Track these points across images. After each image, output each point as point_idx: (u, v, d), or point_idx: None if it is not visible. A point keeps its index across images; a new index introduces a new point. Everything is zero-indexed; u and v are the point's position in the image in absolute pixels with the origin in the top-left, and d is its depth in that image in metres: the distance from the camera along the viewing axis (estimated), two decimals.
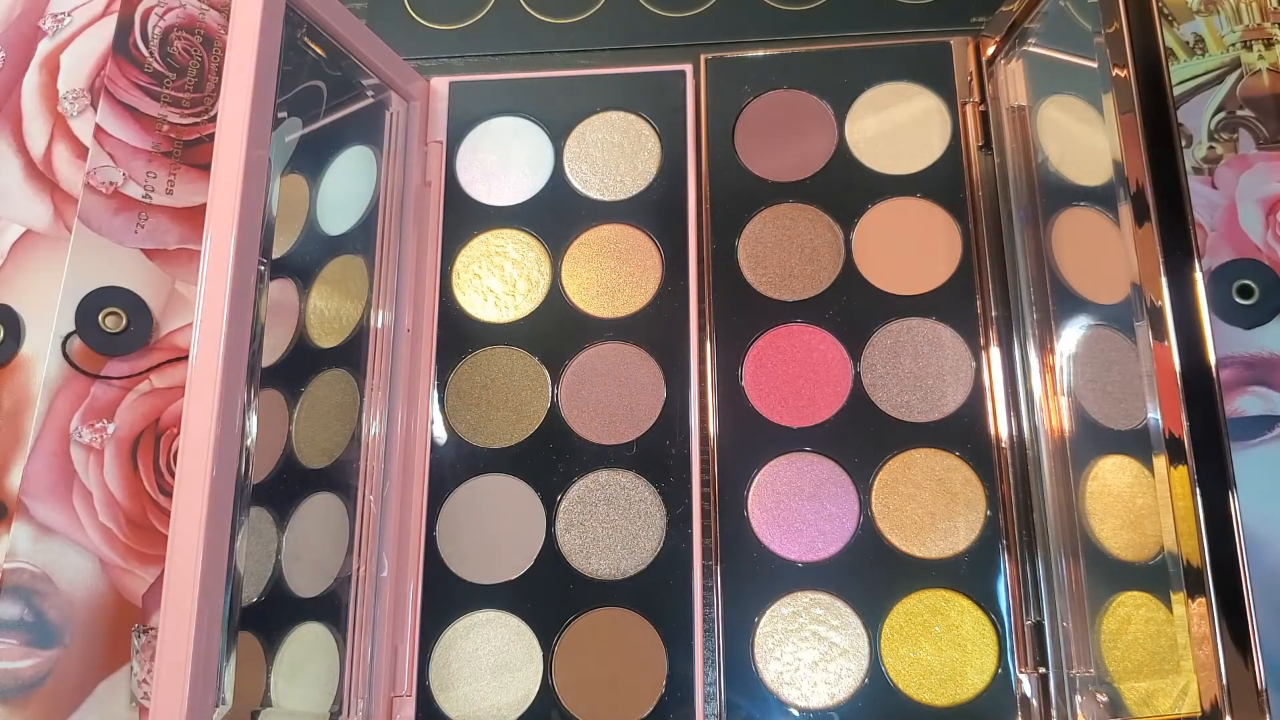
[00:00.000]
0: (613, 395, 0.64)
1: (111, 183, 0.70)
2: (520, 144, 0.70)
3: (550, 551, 0.62)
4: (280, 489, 0.56)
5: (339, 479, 0.60)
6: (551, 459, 0.63)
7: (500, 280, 0.67)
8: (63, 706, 0.61)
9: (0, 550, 0.63)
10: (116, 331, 0.67)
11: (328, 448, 0.59)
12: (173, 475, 0.64)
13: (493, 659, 0.60)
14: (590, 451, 0.63)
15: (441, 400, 0.65)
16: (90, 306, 0.67)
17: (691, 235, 0.66)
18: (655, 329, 0.65)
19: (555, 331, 0.66)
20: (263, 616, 0.53)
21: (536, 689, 0.59)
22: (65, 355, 0.67)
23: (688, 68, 0.70)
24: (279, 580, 0.55)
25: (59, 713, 0.61)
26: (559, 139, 0.70)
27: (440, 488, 0.63)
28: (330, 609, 0.58)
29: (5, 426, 0.66)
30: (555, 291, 0.66)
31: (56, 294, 0.68)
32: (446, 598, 0.61)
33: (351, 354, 0.62)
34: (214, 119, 0.70)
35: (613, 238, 0.67)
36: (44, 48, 0.75)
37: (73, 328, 0.67)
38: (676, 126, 0.69)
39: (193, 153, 0.71)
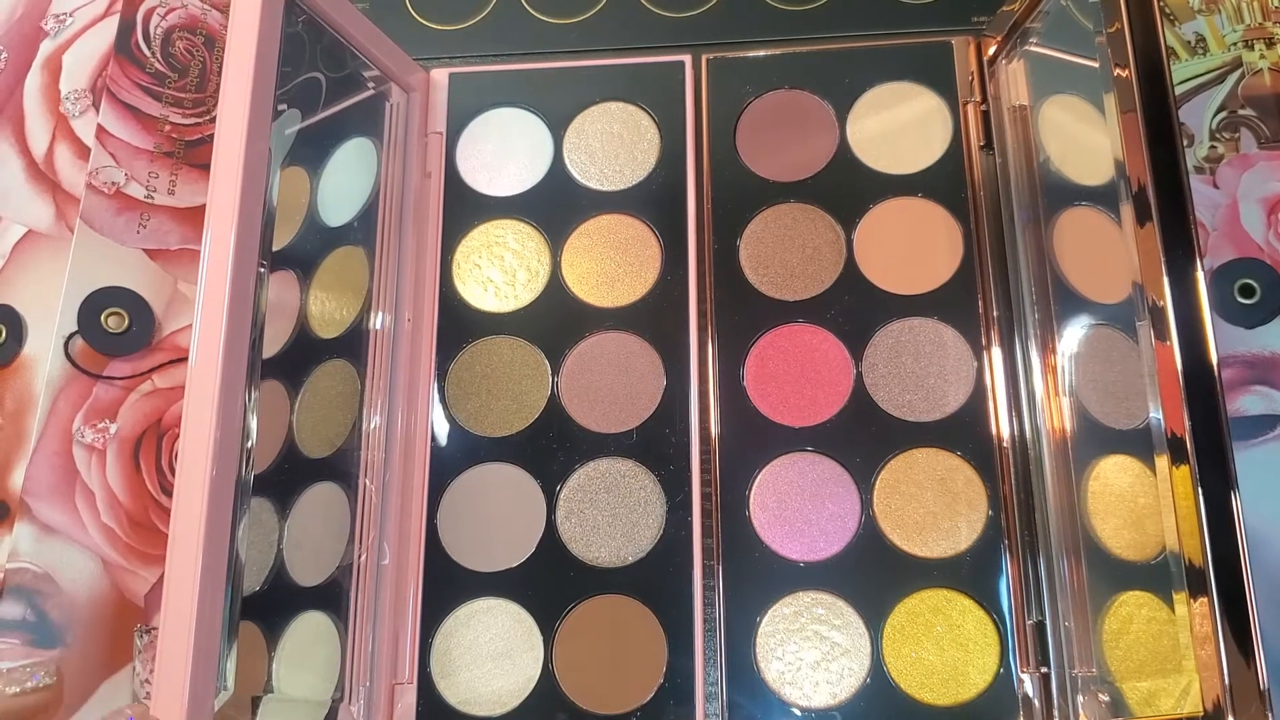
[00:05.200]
0: (613, 384, 0.64)
1: (114, 183, 0.70)
2: (520, 135, 0.70)
3: (551, 539, 0.62)
4: (281, 479, 0.56)
5: (340, 468, 0.60)
6: (552, 447, 0.63)
7: (500, 270, 0.67)
8: (65, 706, 0.61)
9: (3, 550, 0.63)
10: (119, 332, 0.67)
11: (329, 437, 0.59)
12: (174, 475, 0.64)
13: (493, 646, 0.60)
14: (590, 440, 0.63)
15: (442, 390, 0.65)
16: (92, 306, 0.67)
17: (691, 224, 0.66)
18: (655, 318, 0.65)
19: (555, 321, 0.66)
20: (264, 605, 0.53)
21: (537, 676, 0.60)
22: (68, 355, 0.67)
23: (686, 58, 0.70)
24: (280, 569, 0.55)
25: (62, 713, 0.61)
26: (558, 129, 0.70)
27: (441, 476, 0.63)
28: (332, 597, 0.58)
29: (8, 426, 0.66)
30: (555, 281, 0.66)
31: (59, 294, 0.68)
32: (447, 585, 0.61)
33: (352, 344, 0.62)
34: (216, 119, 0.70)
35: (612, 227, 0.67)
36: (46, 48, 0.75)
37: (75, 328, 0.67)
38: (675, 117, 0.69)
39: (195, 153, 0.71)
